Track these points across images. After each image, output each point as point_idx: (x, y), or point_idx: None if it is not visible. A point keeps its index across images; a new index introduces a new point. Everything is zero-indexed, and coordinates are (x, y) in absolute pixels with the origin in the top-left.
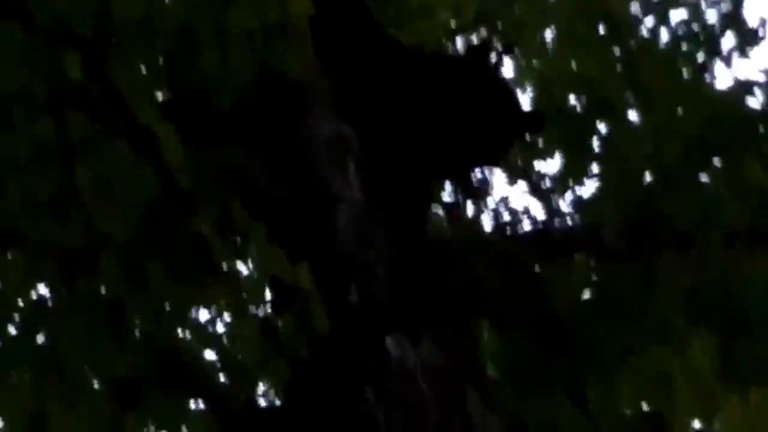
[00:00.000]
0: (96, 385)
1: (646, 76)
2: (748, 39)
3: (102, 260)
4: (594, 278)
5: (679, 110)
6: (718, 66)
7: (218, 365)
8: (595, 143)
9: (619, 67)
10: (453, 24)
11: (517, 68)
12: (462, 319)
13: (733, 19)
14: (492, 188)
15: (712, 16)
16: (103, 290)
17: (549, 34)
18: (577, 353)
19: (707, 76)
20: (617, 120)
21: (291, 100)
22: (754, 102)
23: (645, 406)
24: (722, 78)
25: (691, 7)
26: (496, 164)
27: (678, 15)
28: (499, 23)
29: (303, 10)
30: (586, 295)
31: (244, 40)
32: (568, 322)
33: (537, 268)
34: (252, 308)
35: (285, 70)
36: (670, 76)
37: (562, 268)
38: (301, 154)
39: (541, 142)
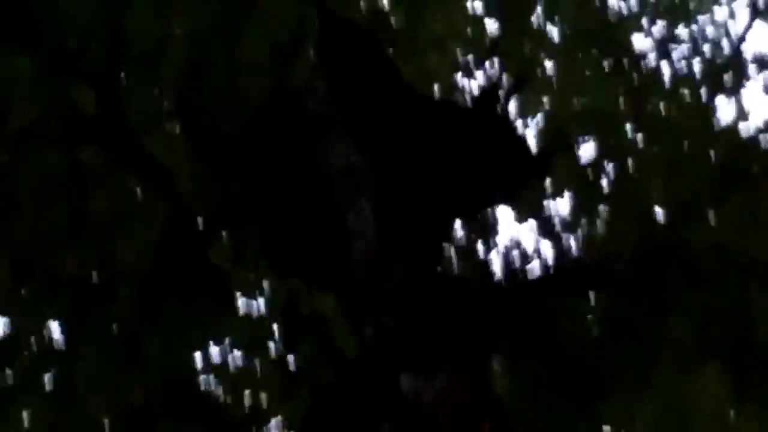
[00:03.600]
0: (108, 419)
1: (653, 113)
2: (748, 74)
3: (118, 291)
4: (607, 312)
5: (688, 143)
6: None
7: (230, 400)
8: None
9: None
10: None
11: (526, 104)
12: (477, 354)
13: (735, 56)
14: (502, 227)
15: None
16: (115, 321)
17: (555, 70)
18: (592, 385)
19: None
20: (627, 152)
21: (305, 128)
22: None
23: None
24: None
25: (692, 42)
26: (507, 204)
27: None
28: (510, 58)
29: (311, 27)
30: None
31: (255, 65)
32: (581, 356)
33: (549, 304)
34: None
35: (293, 84)
36: (677, 109)
37: (574, 303)
38: (316, 184)
39: (549, 183)
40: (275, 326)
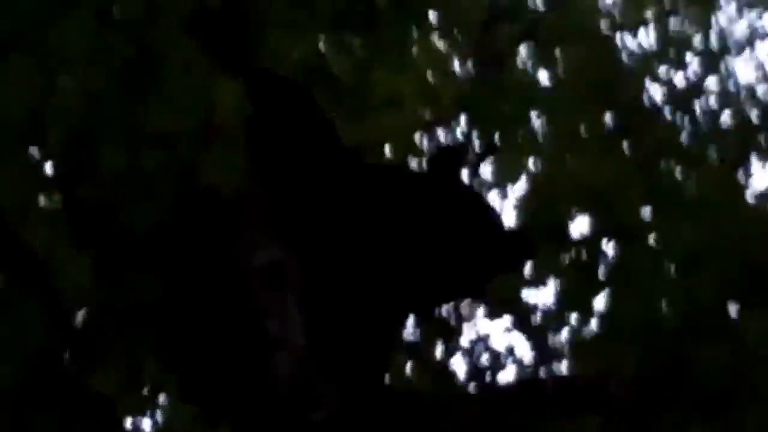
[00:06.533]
0: None
1: (667, 182)
2: None
3: None
4: None
5: (711, 224)
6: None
7: None
8: (601, 269)
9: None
10: (427, 115)
11: (503, 169)
12: None
13: None
14: (467, 323)
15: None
16: None
17: (542, 128)
18: None
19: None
20: (632, 240)
21: (219, 218)
22: None
23: None
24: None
25: (722, 96)
26: (474, 297)
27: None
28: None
29: (235, 111)
30: None
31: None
32: None
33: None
34: None
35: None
36: (699, 178)
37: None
38: (233, 286)
39: (530, 268)
40: None
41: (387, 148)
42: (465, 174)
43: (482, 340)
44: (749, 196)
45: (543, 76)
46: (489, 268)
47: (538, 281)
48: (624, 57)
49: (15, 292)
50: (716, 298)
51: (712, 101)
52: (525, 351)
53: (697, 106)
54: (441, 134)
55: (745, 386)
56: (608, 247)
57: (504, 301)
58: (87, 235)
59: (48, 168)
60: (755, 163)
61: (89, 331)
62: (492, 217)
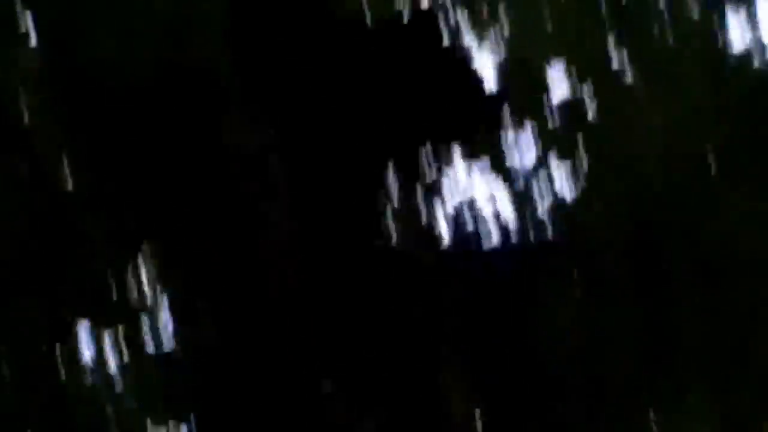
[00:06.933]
0: None
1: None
2: None
3: None
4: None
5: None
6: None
7: None
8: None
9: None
10: None
11: (478, 23)
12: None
13: None
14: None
15: None
16: None
17: None
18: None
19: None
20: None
21: (203, 100)
22: None
23: None
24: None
25: None
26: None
27: None
28: None
29: None
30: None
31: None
32: (558, 372)
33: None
34: None
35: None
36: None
37: (546, 300)
38: (220, 167)
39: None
40: None
41: None
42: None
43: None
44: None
45: None
46: (468, 119)
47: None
48: None
49: None
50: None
51: None
52: (509, 214)
53: None
54: None
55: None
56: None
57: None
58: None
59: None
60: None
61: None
62: (469, 68)
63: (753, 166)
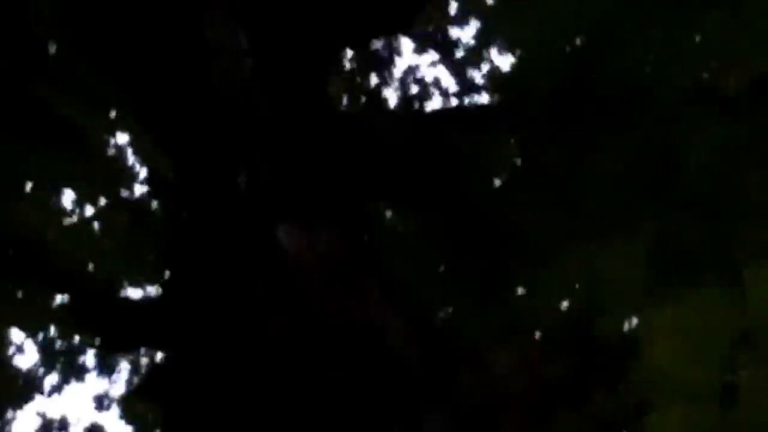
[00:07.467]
0: None
1: None
2: None
3: None
4: (514, 157)
5: None
6: None
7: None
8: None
9: None
10: None
11: None
12: (362, 202)
13: None
14: (398, 56)
15: None
16: None
17: None
18: (498, 243)
19: None
20: None
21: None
22: None
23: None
24: None
25: None
26: (403, 30)
27: None
28: None
29: None
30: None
31: None
32: (488, 207)
33: (450, 144)
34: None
35: None
36: None
37: (479, 145)
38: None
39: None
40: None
41: None
42: None
43: (411, 72)
44: None
45: None
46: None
47: (461, 20)
48: None
49: None
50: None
51: None
52: (449, 83)
53: None
54: None
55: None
56: None
57: (430, 35)
58: None
59: None
60: None
61: (59, 61)
62: None
63: None
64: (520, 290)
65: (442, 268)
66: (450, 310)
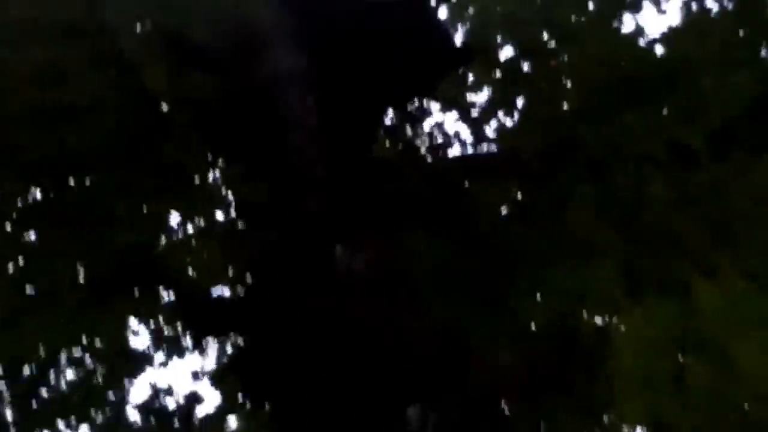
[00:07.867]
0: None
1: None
2: None
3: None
4: (515, 197)
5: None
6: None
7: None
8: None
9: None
10: None
11: (453, 11)
12: (395, 229)
13: None
14: (428, 115)
15: None
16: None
17: None
18: (499, 263)
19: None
20: (540, 57)
21: (251, 36)
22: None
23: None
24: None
25: None
26: (431, 94)
27: None
28: None
29: None
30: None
31: None
32: (491, 235)
33: (465, 185)
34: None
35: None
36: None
37: (487, 186)
38: (263, 84)
39: (471, 77)
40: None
41: None
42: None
43: (438, 127)
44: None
45: None
46: (442, 71)
47: (476, 87)
48: None
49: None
50: (600, 96)
51: None
52: (466, 135)
53: None
54: None
55: (620, 159)
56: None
57: (451, 100)
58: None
59: None
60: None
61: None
62: (446, 36)
63: None
64: (519, 299)
65: (456, 282)
66: (461, 315)
